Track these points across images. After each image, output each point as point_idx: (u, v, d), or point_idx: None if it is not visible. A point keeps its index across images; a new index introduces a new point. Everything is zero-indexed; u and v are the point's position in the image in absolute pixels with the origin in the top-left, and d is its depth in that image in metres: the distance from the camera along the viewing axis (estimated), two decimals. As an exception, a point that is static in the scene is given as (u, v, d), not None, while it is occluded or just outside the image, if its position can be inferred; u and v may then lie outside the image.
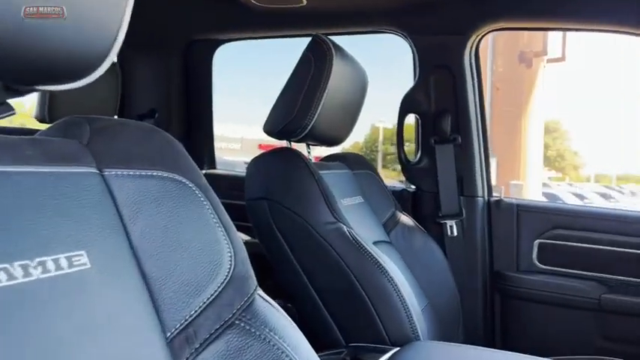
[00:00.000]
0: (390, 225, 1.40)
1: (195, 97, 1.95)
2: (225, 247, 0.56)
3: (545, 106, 7.35)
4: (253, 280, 0.58)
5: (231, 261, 0.56)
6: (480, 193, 1.53)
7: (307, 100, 1.13)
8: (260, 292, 0.59)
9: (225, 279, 0.55)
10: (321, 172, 1.17)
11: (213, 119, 1.98)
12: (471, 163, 1.52)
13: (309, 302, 1.09)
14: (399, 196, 1.57)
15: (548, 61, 6.44)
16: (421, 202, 1.59)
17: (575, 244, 1.43)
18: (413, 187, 1.62)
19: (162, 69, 1.91)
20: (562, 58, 6.20)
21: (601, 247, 1.41)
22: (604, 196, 15.69)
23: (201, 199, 0.57)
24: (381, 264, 1.04)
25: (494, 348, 1.52)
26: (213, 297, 0.53)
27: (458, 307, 1.43)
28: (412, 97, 1.56)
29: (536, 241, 1.48)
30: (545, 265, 1.47)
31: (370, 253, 1.05)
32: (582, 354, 1.34)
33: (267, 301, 0.59)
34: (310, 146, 1.32)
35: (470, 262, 1.52)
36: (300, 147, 1.29)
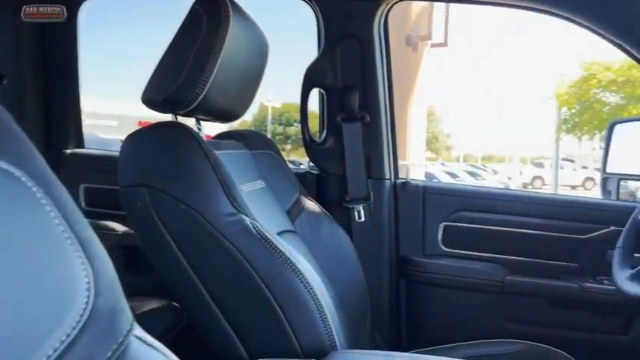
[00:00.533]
0: (294, 212, 1.24)
1: (57, 62, 1.61)
2: (80, 269, 0.36)
3: (428, 90, 7.73)
4: (127, 315, 0.39)
5: (89, 290, 0.35)
6: (387, 175, 1.44)
7: (198, 63, 0.92)
8: (138, 331, 0.40)
9: (79, 320, 0.34)
10: (215, 152, 0.97)
11: (81, 91, 1.66)
12: (379, 143, 1.42)
13: (203, 309, 0.90)
14: (302, 179, 1.42)
15: (432, 45, 6.73)
16: (326, 185, 1.46)
17: (479, 226, 1.41)
18: (316, 169, 1.49)
19: (9, 25, 1.54)
20: (444, 44, 6.51)
21: (504, 228, 1.39)
22: (471, 174, 17.26)
23: (38, 196, 0.35)
24: (292, 261, 0.88)
25: (401, 337, 1.46)
26: (59, 352, 0.33)
27: (365, 297, 1.33)
28: (317, 69, 1.41)
29: (442, 224, 1.43)
30: (450, 248, 1.43)
31: (279, 249, 0.88)
32: (487, 338, 1.32)
33: (148, 343, 0.40)
34: (201, 122, 1.11)
35: (377, 248, 1.43)
36: (189, 123, 1.07)
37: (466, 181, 14.96)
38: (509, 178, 16.45)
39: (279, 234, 1.07)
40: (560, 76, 13.47)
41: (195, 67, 0.91)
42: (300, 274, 0.87)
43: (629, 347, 1.29)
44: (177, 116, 1.00)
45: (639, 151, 1.63)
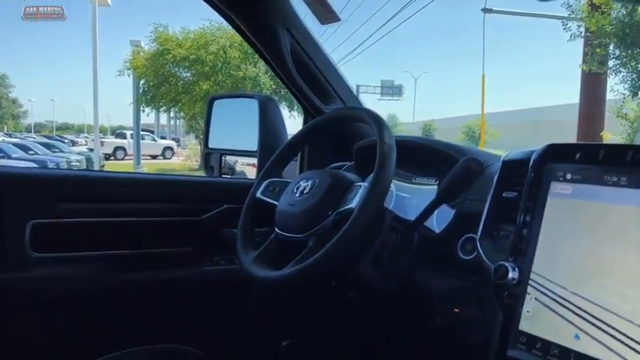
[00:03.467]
0: None
1: None
2: None
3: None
4: None
5: None
6: None
7: None
8: None
9: None
10: None
11: None
12: None
13: None
14: None
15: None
16: None
17: (84, 219, 1.12)
18: None
19: None
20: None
21: (113, 218, 1.16)
22: (47, 145, 15.62)
23: None
24: None
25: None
26: None
27: None
28: None
29: (30, 223, 1.06)
30: (44, 252, 1.08)
31: None
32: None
33: None
34: None
35: None
36: None
37: (42, 153, 13.37)
38: (91, 150, 15.70)
39: None
40: (135, 47, 13.31)
41: None
42: None
43: (245, 323, 1.30)
44: None
45: (238, 126, 1.68)
